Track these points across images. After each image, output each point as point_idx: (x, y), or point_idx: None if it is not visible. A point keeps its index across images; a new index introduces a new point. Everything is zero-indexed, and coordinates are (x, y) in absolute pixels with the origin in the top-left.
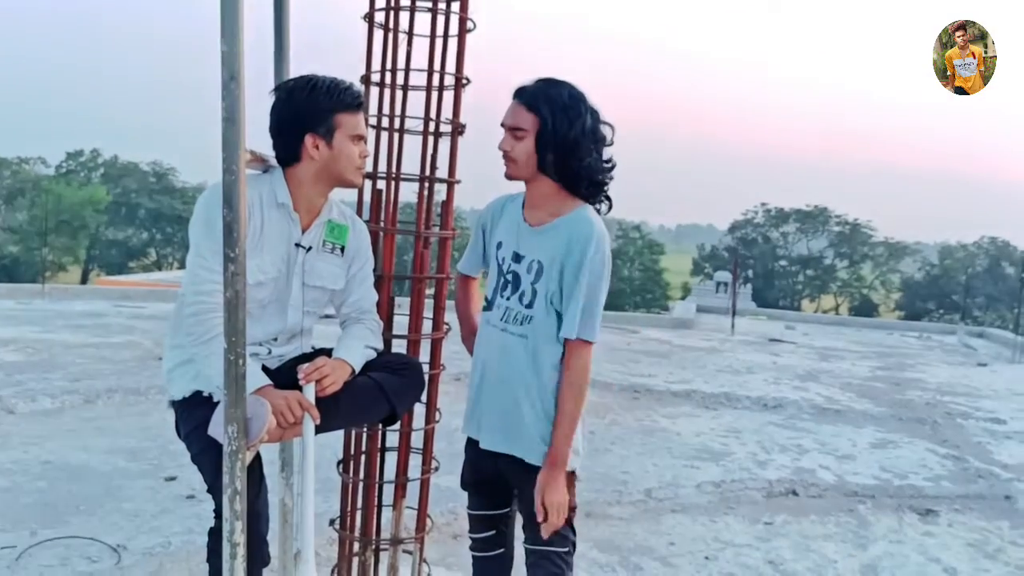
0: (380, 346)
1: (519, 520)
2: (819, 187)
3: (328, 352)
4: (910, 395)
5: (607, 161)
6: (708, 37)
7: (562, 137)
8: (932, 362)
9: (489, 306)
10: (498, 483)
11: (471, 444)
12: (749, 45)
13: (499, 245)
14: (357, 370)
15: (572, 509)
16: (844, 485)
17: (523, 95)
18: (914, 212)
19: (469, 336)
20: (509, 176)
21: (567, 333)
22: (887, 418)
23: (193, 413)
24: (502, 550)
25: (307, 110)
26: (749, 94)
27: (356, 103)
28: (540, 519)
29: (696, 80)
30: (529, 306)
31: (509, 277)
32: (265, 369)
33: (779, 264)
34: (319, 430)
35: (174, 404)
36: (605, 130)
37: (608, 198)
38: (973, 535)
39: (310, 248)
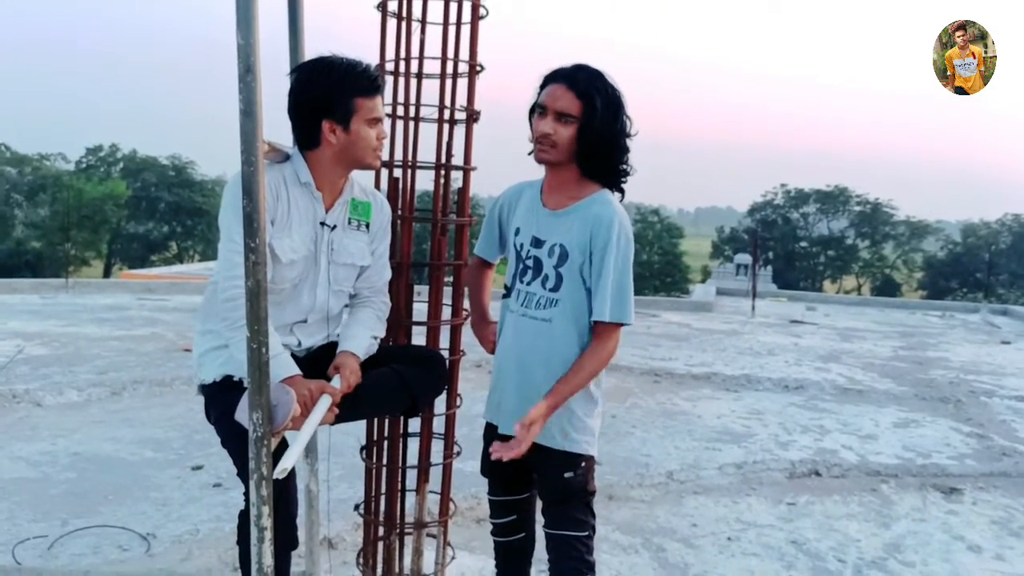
0: (383, 334)
1: (540, 504)
2: (837, 171)
3: None
4: (933, 374)
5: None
6: (721, 46)
7: (605, 131)
8: (955, 341)
9: (508, 292)
10: (517, 469)
11: (490, 430)
12: (757, 51)
13: (517, 231)
14: (362, 359)
15: (591, 493)
16: (867, 465)
17: (573, 82)
18: (934, 192)
19: (479, 322)
20: (542, 160)
21: (599, 315)
22: (910, 397)
23: (223, 397)
24: (523, 534)
25: (323, 96)
26: (761, 96)
27: (373, 87)
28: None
29: (710, 86)
30: (554, 289)
31: (529, 263)
32: (294, 358)
33: (800, 245)
34: (341, 419)
35: (204, 388)
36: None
37: (622, 188)
38: (998, 513)
39: (335, 226)
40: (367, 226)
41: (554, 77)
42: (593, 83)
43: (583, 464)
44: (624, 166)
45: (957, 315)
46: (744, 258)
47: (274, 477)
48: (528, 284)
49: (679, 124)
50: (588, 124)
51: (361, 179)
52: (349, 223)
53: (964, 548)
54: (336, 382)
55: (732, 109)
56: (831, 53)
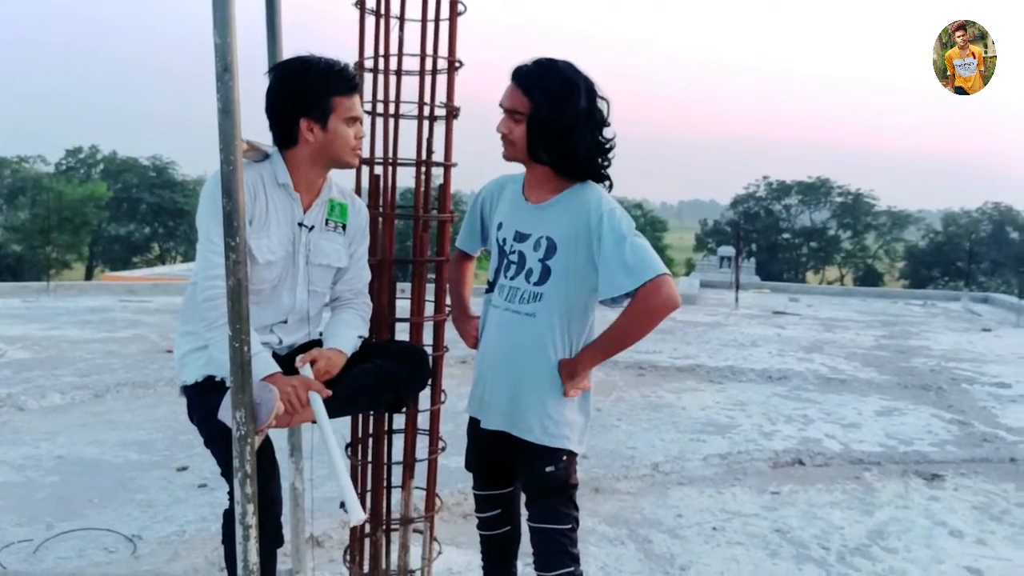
0: (367, 333)
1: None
2: (818, 163)
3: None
4: (915, 362)
5: (607, 141)
6: (704, 40)
7: (554, 124)
8: (937, 329)
9: (491, 287)
10: (501, 463)
11: (473, 424)
12: (738, 45)
13: (499, 226)
14: (347, 356)
15: (573, 487)
16: (850, 453)
17: (519, 78)
18: (915, 182)
19: (460, 317)
20: (508, 157)
21: (634, 284)
22: (892, 386)
23: (205, 398)
24: (508, 528)
25: (301, 94)
26: (743, 89)
27: (351, 85)
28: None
29: (694, 80)
30: (539, 283)
31: (513, 258)
32: (275, 357)
33: (782, 237)
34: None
35: (186, 389)
36: (601, 105)
37: (608, 177)
38: (979, 498)
39: (312, 227)
40: (344, 228)
41: (512, 75)
42: (536, 76)
43: (564, 458)
44: (600, 159)
45: (939, 304)
46: (727, 250)
47: (351, 525)
48: (512, 279)
49: (662, 118)
50: (534, 119)
51: (341, 178)
52: (326, 224)
53: (946, 533)
54: (307, 371)
55: (714, 103)
56: (812, 46)
